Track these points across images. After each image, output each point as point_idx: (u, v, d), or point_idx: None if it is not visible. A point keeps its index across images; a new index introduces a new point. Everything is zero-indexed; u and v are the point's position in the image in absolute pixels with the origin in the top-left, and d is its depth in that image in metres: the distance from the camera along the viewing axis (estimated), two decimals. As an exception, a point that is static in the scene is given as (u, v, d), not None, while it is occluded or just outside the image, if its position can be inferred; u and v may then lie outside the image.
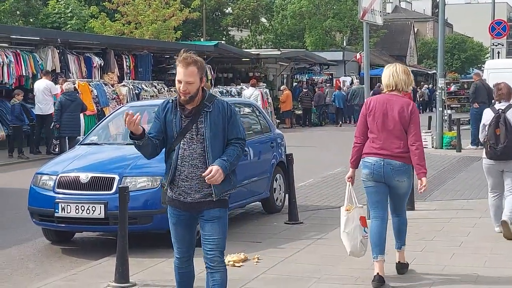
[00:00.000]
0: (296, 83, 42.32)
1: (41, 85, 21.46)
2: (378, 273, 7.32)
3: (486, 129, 9.50)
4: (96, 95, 23.66)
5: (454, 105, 36.00)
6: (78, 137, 18.98)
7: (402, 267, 7.79)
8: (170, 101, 5.83)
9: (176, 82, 5.63)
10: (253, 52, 39.37)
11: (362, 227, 7.52)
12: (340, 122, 38.00)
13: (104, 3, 40.09)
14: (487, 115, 9.60)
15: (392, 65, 7.67)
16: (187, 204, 5.75)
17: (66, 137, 19.63)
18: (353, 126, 36.68)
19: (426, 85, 57.34)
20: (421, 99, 51.72)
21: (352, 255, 7.68)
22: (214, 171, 5.51)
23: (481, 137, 9.70)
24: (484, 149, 9.63)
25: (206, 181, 5.54)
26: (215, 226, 5.72)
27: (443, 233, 9.79)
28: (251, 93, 29.06)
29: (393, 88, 7.52)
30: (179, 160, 5.69)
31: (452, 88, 37.77)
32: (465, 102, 35.15)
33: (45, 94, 21.24)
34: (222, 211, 5.77)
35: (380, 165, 7.37)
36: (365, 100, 7.85)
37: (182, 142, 5.68)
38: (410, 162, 7.38)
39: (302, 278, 7.60)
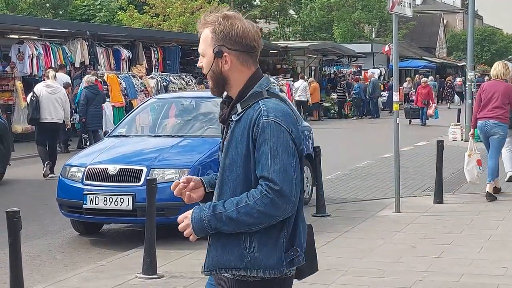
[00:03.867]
0: (336, 75, 41.86)
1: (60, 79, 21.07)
2: (488, 191, 11.58)
3: None
4: (124, 87, 23.77)
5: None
6: (106, 129, 19.20)
7: (490, 195, 11.53)
8: None
9: None
10: (281, 44, 39.32)
11: (477, 166, 11.77)
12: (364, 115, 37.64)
13: (132, -4, 40.31)
14: None
15: (497, 62, 12.13)
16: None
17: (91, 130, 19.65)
18: (369, 118, 36.49)
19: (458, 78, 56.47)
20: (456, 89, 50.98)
21: (470, 183, 12.22)
22: (180, 218, 3.31)
23: None
24: None
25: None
26: None
27: (472, 226, 9.73)
28: (299, 85, 33.30)
29: (497, 77, 11.74)
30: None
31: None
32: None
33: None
34: None
35: (484, 124, 11.70)
36: (481, 84, 12.87)
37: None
38: (504, 121, 11.61)
39: (329, 271, 7.57)
